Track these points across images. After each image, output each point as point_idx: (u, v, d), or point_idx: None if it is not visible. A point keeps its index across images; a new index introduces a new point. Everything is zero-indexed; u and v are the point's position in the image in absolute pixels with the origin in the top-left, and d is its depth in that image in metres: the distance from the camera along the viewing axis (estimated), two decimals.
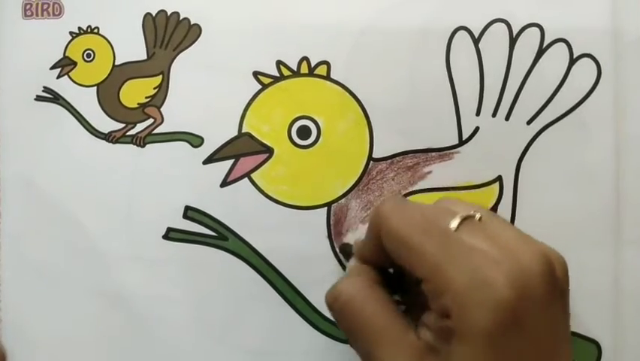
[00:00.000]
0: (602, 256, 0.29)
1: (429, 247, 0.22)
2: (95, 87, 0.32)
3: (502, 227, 0.23)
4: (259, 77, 0.31)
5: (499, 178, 0.30)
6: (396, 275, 0.26)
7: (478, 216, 0.23)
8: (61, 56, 0.32)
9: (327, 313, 0.30)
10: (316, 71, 0.31)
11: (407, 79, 0.30)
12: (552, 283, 0.21)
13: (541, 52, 0.30)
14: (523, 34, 0.30)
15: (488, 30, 0.30)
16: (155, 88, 0.31)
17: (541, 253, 0.21)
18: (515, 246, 0.22)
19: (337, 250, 0.30)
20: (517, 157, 0.30)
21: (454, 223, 0.22)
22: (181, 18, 0.31)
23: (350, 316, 0.24)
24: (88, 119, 0.32)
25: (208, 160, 0.31)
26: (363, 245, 0.26)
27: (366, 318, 0.23)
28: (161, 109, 0.31)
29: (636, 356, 0.29)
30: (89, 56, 0.32)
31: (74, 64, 0.32)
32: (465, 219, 0.22)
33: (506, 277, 0.20)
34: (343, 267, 0.30)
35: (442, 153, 0.30)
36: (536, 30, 0.30)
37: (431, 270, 0.21)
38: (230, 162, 0.31)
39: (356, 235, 0.30)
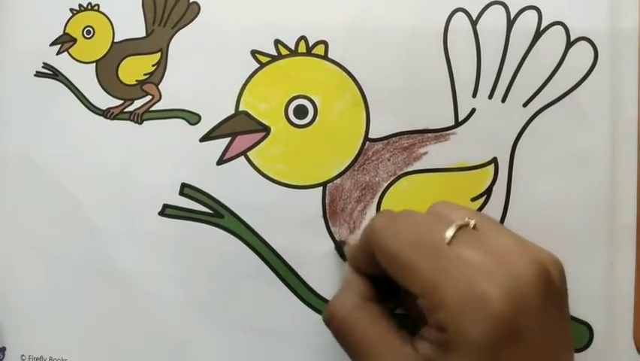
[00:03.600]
0: (596, 239, 0.29)
1: (421, 263, 0.22)
2: (94, 64, 0.32)
3: (495, 234, 0.23)
4: (257, 55, 0.31)
5: (494, 160, 0.30)
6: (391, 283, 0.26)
7: (472, 223, 0.23)
8: (62, 33, 0.32)
9: (321, 291, 0.31)
10: (314, 51, 0.31)
11: (404, 60, 0.30)
12: (548, 290, 0.21)
13: (538, 35, 0.30)
14: (520, 16, 0.30)
15: (486, 12, 0.30)
16: (153, 65, 0.31)
17: (536, 260, 0.21)
18: (509, 255, 0.21)
19: (334, 246, 0.30)
20: (513, 139, 0.30)
21: (448, 233, 0.22)
22: None
23: (345, 334, 0.24)
24: (86, 96, 0.32)
25: (205, 138, 0.31)
26: (357, 256, 0.26)
27: (359, 336, 0.24)
28: (159, 86, 0.31)
29: (627, 338, 0.29)
30: (88, 32, 0.32)
31: (74, 40, 0.32)
32: (459, 229, 0.22)
33: (500, 289, 0.20)
34: (338, 247, 0.30)
35: (438, 134, 0.30)
36: (534, 13, 0.30)
37: (425, 286, 0.21)
38: (227, 140, 0.31)
39: (353, 216, 0.30)
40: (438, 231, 0.22)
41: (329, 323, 0.25)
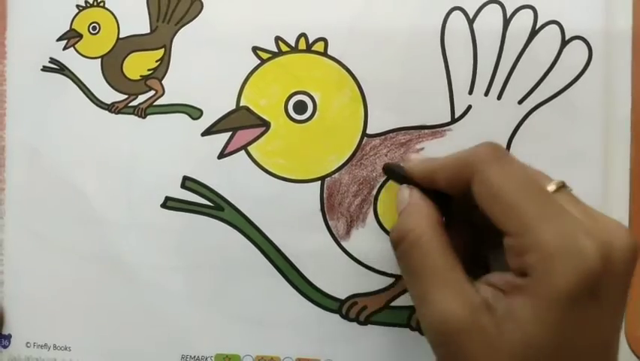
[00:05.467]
0: None
1: (526, 203, 0.22)
2: (100, 59, 0.33)
3: (586, 203, 0.24)
4: (258, 52, 0.32)
5: None
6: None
7: (570, 189, 0.24)
8: (68, 29, 0.33)
9: (318, 283, 0.31)
10: (314, 48, 0.31)
11: (402, 57, 0.31)
12: (633, 261, 0.22)
13: (533, 33, 0.30)
14: (516, 15, 0.30)
15: (483, 11, 0.30)
16: (157, 61, 0.32)
17: (627, 230, 0.22)
18: (605, 221, 0.22)
19: (383, 168, 0.30)
20: (508, 136, 0.30)
21: (551, 187, 0.23)
22: None
23: (415, 257, 0.24)
24: (92, 90, 0.32)
25: (206, 132, 0.32)
26: (439, 172, 0.25)
27: (431, 262, 0.23)
28: (163, 81, 0.32)
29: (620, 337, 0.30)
30: (94, 28, 0.33)
31: (80, 36, 0.33)
32: (561, 187, 0.23)
33: (598, 246, 0.21)
34: (335, 239, 0.31)
35: (435, 130, 0.31)
36: (529, 12, 0.30)
37: (522, 226, 0.22)
38: (228, 134, 0.32)
39: (350, 210, 0.31)
40: (544, 180, 0.23)
41: (398, 243, 0.25)
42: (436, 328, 0.23)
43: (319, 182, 0.31)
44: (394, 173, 0.29)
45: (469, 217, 0.26)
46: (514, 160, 0.24)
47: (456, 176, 0.24)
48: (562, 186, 0.23)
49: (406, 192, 0.27)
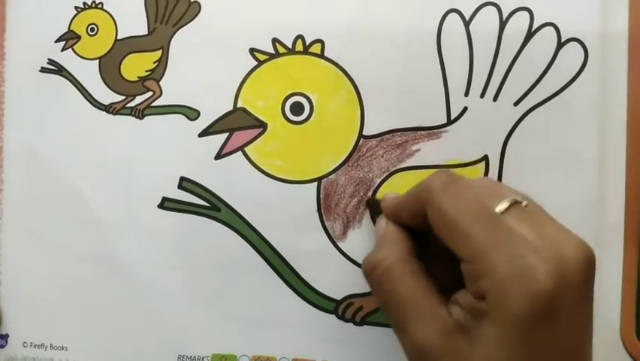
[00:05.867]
0: (584, 238, 0.30)
1: (475, 230, 0.22)
2: (98, 60, 0.33)
3: (544, 216, 0.23)
4: (255, 53, 0.32)
5: (485, 157, 0.31)
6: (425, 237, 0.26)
7: (524, 203, 0.23)
8: (66, 30, 0.33)
9: (314, 284, 0.31)
10: (311, 49, 0.31)
11: (399, 59, 0.31)
12: (589, 277, 0.22)
13: (529, 35, 0.30)
14: (512, 17, 0.30)
15: (479, 13, 0.31)
16: (154, 62, 0.32)
17: (583, 245, 0.22)
18: (558, 237, 0.22)
19: (365, 202, 0.31)
20: (504, 137, 0.30)
21: (501, 206, 0.23)
22: None
23: (387, 287, 0.25)
24: (90, 91, 0.33)
25: (203, 133, 0.32)
26: (402, 207, 0.26)
27: (403, 292, 0.24)
28: (160, 82, 0.32)
29: (614, 337, 0.30)
30: (92, 30, 0.33)
31: (78, 37, 0.33)
32: (512, 205, 0.23)
33: (548, 267, 0.21)
34: (331, 240, 0.31)
35: (431, 131, 0.31)
36: (525, 14, 0.30)
37: (474, 253, 0.22)
38: (225, 135, 0.32)
39: (346, 211, 0.31)
40: (494, 200, 0.23)
41: (370, 273, 0.25)
42: (414, 355, 0.23)
43: (316, 183, 0.31)
44: (374, 207, 0.30)
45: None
46: (465, 184, 0.24)
47: (414, 208, 0.25)
48: (513, 203, 0.23)
49: (382, 222, 0.28)
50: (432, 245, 0.26)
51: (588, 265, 0.22)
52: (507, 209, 0.23)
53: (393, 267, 0.25)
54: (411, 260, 0.25)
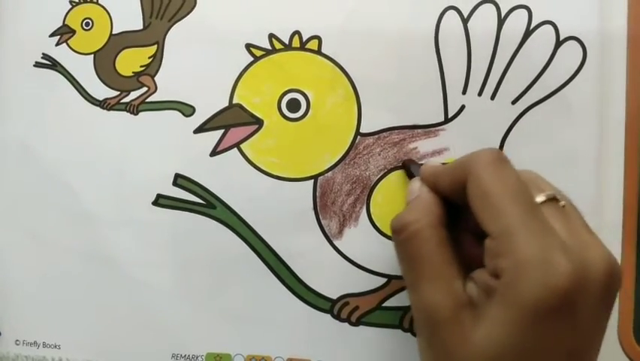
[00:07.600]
0: None
1: (511, 209, 0.22)
2: (92, 55, 0.32)
3: (581, 221, 0.23)
4: (251, 49, 0.31)
5: None
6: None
7: (562, 203, 0.23)
8: (61, 24, 0.33)
9: (309, 282, 0.31)
10: (307, 46, 0.31)
11: (396, 56, 0.31)
12: (611, 289, 0.22)
13: (528, 33, 0.30)
14: (511, 15, 0.30)
15: (477, 11, 0.30)
16: (149, 57, 0.32)
17: (610, 257, 0.22)
18: (588, 242, 0.22)
19: (402, 162, 0.30)
20: (502, 136, 0.30)
21: (540, 198, 0.23)
22: None
23: (412, 248, 0.25)
24: (84, 86, 0.32)
25: (199, 129, 0.32)
26: (442, 173, 0.26)
27: (425, 255, 0.24)
28: (155, 78, 0.32)
29: (612, 338, 0.30)
30: (87, 24, 0.33)
31: (73, 32, 0.33)
32: (550, 200, 0.23)
33: (572, 267, 0.21)
34: (327, 238, 0.31)
35: (428, 129, 0.31)
36: (524, 12, 0.30)
37: (502, 230, 0.22)
38: (221, 132, 0.31)
39: (343, 209, 0.31)
40: (534, 191, 0.23)
41: (399, 232, 0.25)
42: (422, 315, 0.24)
43: (312, 180, 0.31)
44: (410, 169, 0.30)
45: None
46: (510, 166, 0.24)
47: (455, 176, 0.25)
48: (552, 199, 0.23)
49: (416, 184, 0.27)
50: (460, 222, 0.26)
51: (611, 277, 0.22)
52: (545, 202, 0.23)
53: (422, 230, 0.24)
54: (441, 228, 0.25)
